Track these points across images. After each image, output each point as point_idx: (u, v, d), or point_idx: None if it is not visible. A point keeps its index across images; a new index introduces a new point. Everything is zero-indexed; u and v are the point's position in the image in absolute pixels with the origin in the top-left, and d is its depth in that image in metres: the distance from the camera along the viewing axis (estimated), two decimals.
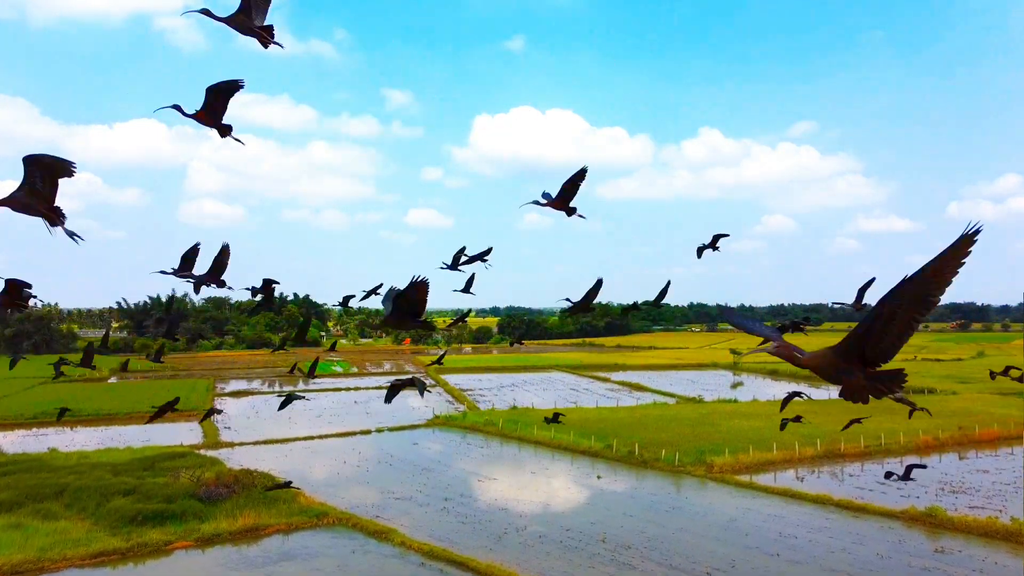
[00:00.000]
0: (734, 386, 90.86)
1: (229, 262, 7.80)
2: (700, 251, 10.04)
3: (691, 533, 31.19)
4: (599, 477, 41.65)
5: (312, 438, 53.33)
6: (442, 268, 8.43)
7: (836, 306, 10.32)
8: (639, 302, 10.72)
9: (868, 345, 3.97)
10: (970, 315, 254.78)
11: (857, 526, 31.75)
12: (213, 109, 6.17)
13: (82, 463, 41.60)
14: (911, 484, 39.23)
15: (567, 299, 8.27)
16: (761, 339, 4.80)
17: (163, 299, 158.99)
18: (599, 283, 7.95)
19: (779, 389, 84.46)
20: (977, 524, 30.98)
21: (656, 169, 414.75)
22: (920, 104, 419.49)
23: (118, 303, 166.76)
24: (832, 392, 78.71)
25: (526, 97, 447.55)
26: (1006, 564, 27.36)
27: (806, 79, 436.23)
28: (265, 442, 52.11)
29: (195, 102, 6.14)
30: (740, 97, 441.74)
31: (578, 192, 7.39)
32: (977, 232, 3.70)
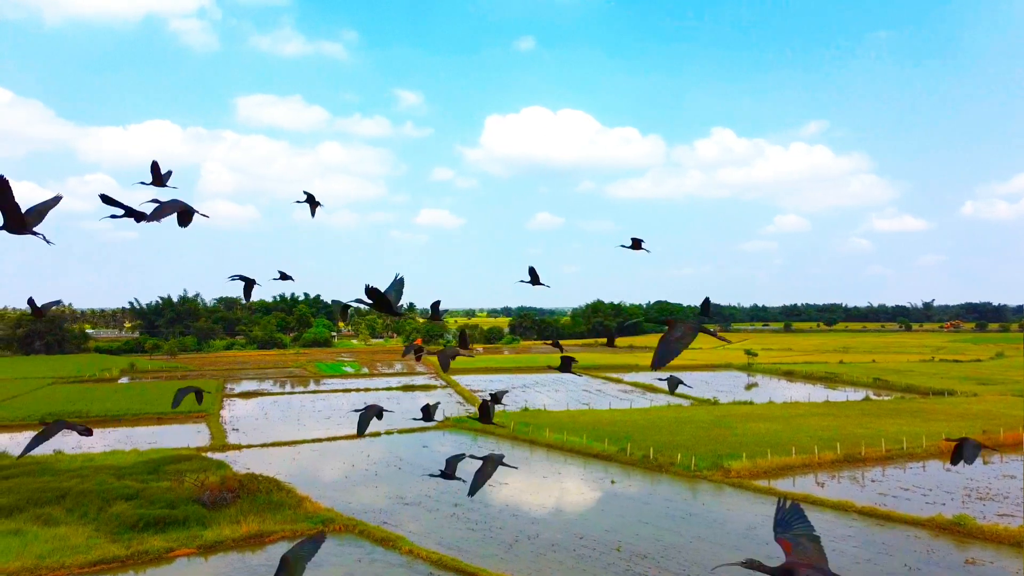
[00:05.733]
0: (749, 387, 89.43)
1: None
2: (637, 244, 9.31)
3: (709, 542, 30.06)
4: (613, 482, 40.59)
5: (321, 440, 52.55)
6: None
7: None
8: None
9: None
10: (986, 315, 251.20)
11: (883, 535, 30.49)
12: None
13: (86, 466, 40.94)
14: (936, 491, 37.92)
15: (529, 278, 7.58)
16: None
17: (174, 300, 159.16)
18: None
19: (795, 391, 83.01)
20: (1008, 534, 29.66)
21: (667, 169, 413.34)
22: (933, 103, 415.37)
23: (130, 303, 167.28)
24: (850, 394, 77.15)
25: (537, 97, 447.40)
26: None
27: (819, 78, 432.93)
28: (273, 444, 51.38)
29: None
30: (752, 97, 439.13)
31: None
32: None
